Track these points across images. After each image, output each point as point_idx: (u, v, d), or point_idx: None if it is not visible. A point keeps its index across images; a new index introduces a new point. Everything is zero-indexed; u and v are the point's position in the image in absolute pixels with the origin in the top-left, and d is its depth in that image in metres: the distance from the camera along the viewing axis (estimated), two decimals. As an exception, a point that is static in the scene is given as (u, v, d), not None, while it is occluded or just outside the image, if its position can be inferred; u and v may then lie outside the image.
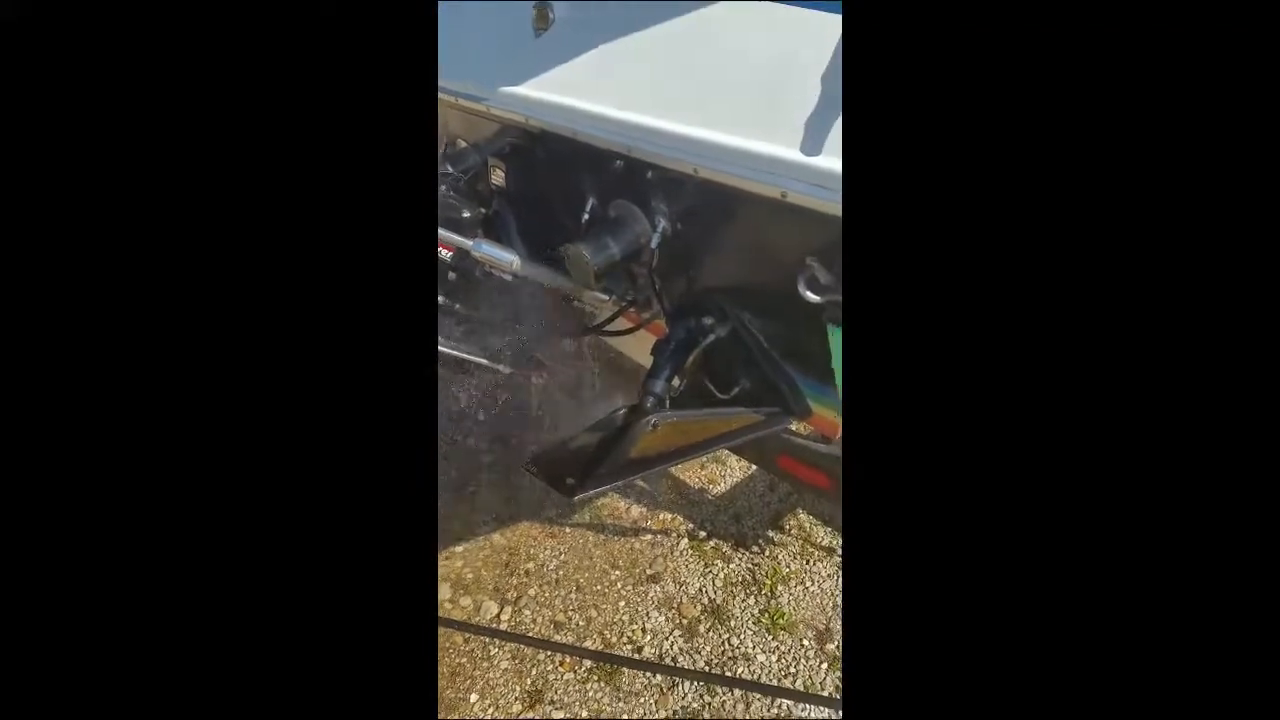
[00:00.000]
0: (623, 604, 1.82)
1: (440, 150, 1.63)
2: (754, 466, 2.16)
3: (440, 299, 1.43)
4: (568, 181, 1.33)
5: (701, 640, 1.72)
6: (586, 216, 1.30)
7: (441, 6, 1.94)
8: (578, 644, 1.71)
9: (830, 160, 0.85)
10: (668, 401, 1.21)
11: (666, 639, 1.73)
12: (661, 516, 2.07)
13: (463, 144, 1.59)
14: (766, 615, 1.76)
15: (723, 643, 1.71)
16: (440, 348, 1.44)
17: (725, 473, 2.22)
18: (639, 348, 1.57)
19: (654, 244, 1.19)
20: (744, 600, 1.81)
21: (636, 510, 2.10)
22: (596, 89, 1.19)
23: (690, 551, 1.96)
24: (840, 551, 1.92)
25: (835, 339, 0.97)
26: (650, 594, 1.84)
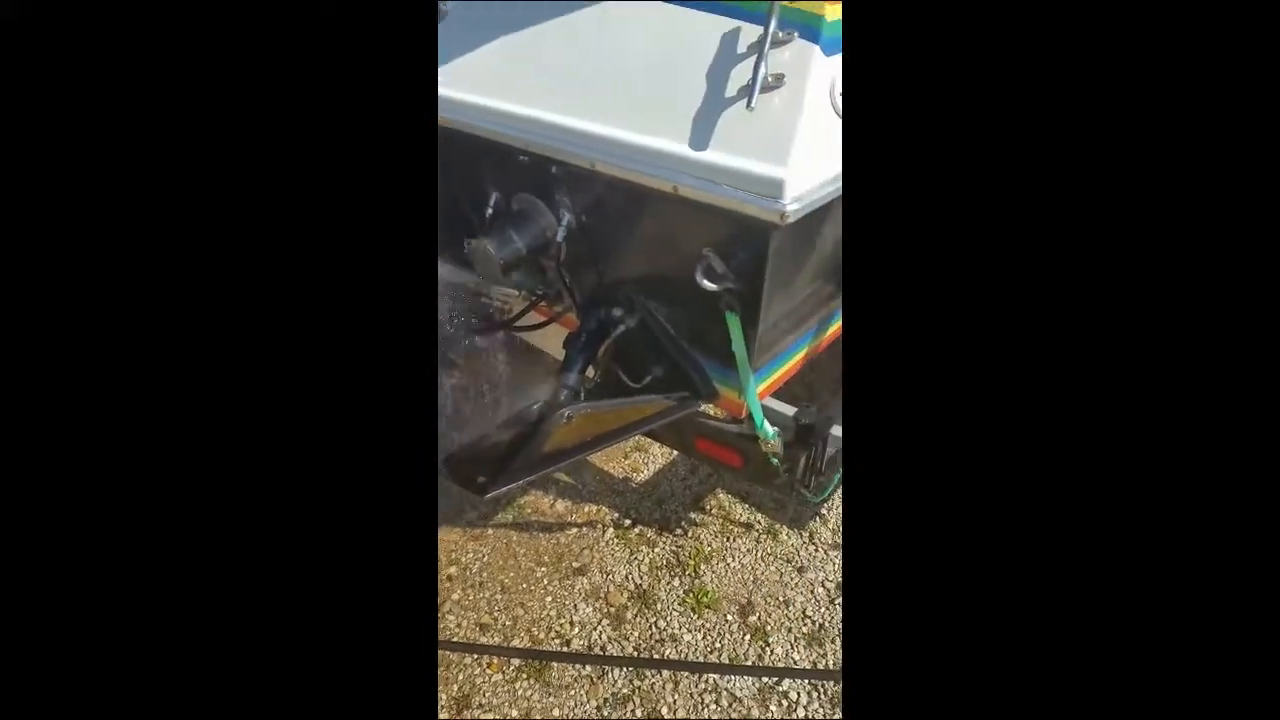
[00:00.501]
0: (549, 599, 1.82)
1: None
2: (675, 452, 2.22)
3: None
4: (469, 177, 1.31)
5: (629, 626, 1.75)
6: (490, 211, 1.29)
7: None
8: (505, 644, 1.69)
9: (718, 155, 0.90)
10: (582, 393, 1.23)
11: (595, 629, 1.75)
12: (587, 509, 2.09)
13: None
14: (691, 595, 1.82)
15: (650, 626, 1.75)
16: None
17: (648, 460, 2.27)
18: (555, 342, 1.58)
19: (560, 237, 1.20)
20: (669, 582, 1.86)
21: (561, 504, 2.10)
22: (493, 84, 1.18)
23: (616, 540, 1.98)
24: (757, 527, 2.01)
25: (734, 324, 1.02)
26: (577, 586, 1.85)
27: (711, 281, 0.97)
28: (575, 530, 2.02)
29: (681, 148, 0.90)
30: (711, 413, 1.38)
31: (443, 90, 1.22)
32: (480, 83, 1.19)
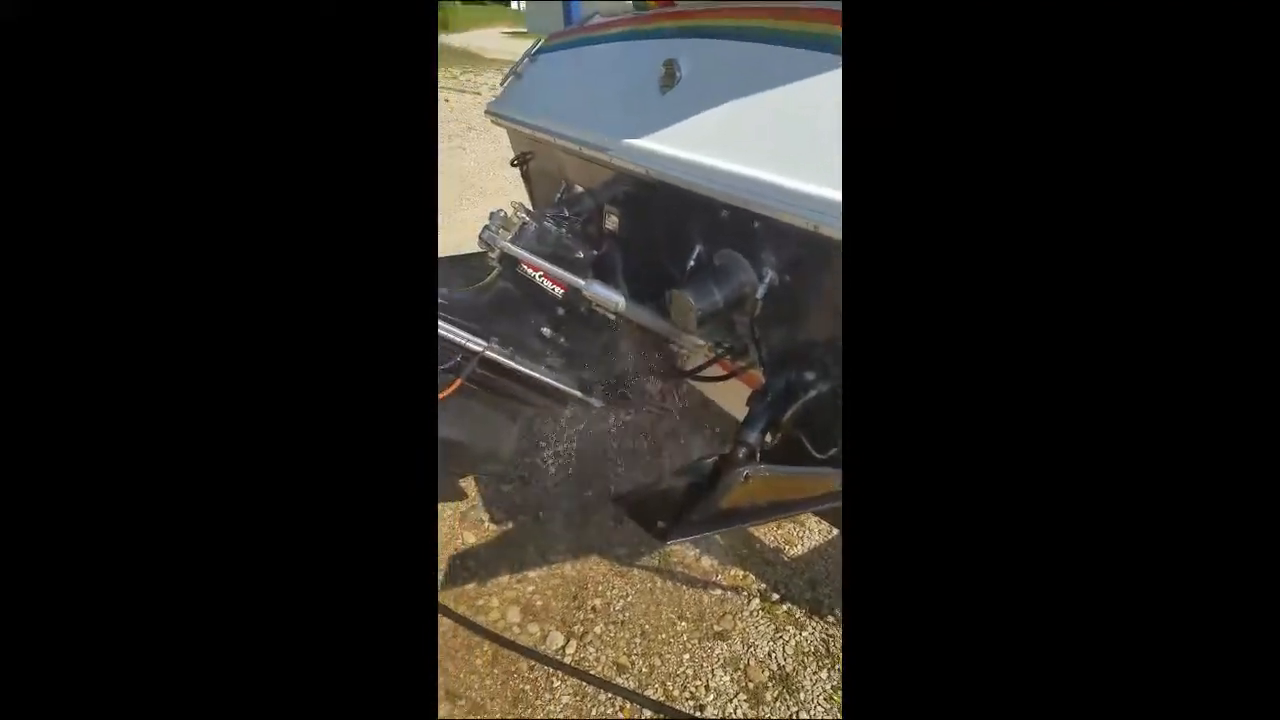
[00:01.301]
0: (687, 657, 1.76)
1: (558, 194, 1.74)
2: (834, 530, 2.06)
3: (547, 331, 1.50)
4: (677, 229, 1.38)
5: (768, 709, 1.63)
6: (692, 263, 1.34)
7: (569, 55, 2.10)
8: (639, 690, 1.67)
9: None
10: (759, 454, 1.20)
11: (730, 701, 1.65)
12: (733, 572, 2.01)
13: (579, 189, 1.69)
14: (839, 693, 1.65)
15: (790, 714, 1.61)
16: (539, 375, 1.51)
17: (803, 534, 2.14)
18: (730, 397, 1.57)
19: (760, 294, 1.20)
20: (815, 672, 1.71)
21: (707, 561, 2.05)
22: (715, 144, 1.23)
23: (761, 613, 1.88)
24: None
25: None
26: (716, 651, 1.77)
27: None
28: (719, 592, 1.95)
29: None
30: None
31: (664, 148, 1.31)
32: (702, 142, 1.25)
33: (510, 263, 1.44)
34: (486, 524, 2.17)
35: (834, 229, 0.98)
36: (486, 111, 2.06)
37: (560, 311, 1.47)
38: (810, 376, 1.19)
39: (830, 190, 1.00)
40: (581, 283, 1.37)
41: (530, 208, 1.67)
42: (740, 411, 1.25)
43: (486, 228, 1.46)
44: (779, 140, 1.14)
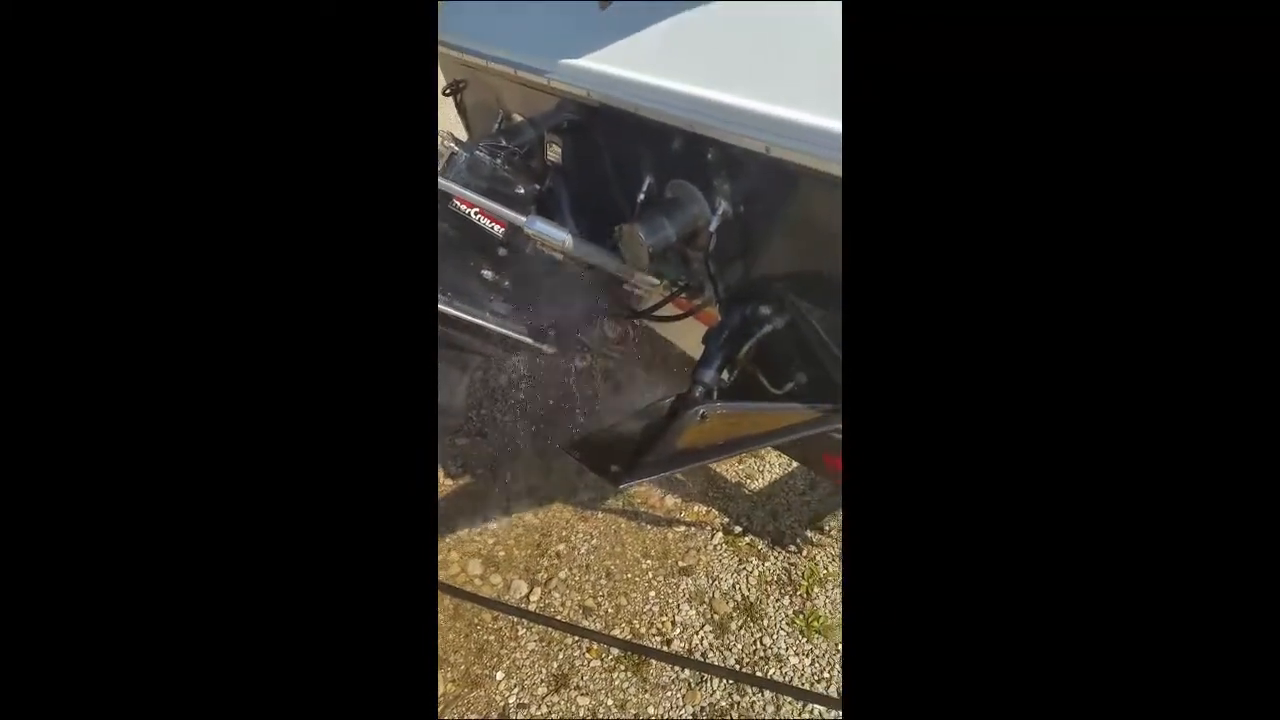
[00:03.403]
0: (653, 594, 1.79)
1: (495, 124, 1.61)
2: (794, 463, 2.10)
3: (489, 274, 1.41)
4: (625, 160, 1.29)
5: (733, 638, 1.68)
6: (642, 196, 1.26)
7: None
8: (606, 631, 1.69)
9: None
10: (716, 392, 1.17)
11: (697, 634, 1.69)
12: (696, 508, 2.04)
13: (518, 119, 1.56)
14: (801, 617, 1.71)
15: (755, 642, 1.67)
16: (485, 323, 1.43)
17: (764, 467, 2.17)
18: (687, 335, 1.53)
19: (712, 227, 1.14)
20: (778, 600, 1.76)
21: (671, 500, 2.06)
22: (662, 63, 1.14)
23: (725, 546, 1.91)
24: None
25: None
26: (682, 586, 1.81)
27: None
28: (683, 529, 1.97)
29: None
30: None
31: (607, 67, 1.20)
32: (648, 61, 1.16)
33: (442, 198, 1.32)
34: (442, 479, 2.12)
35: (787, 150, 0.92)
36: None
37: (501, 252, 1.38)
38: (766, 311, 1.15)
39: (782, 109, 0.93)
40: (523, 219, 1.28)
41: (461, 139, 1.54)
42: (697, 350, 1.21)
43: None
44: (727, 56, 1.05)
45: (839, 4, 0.93)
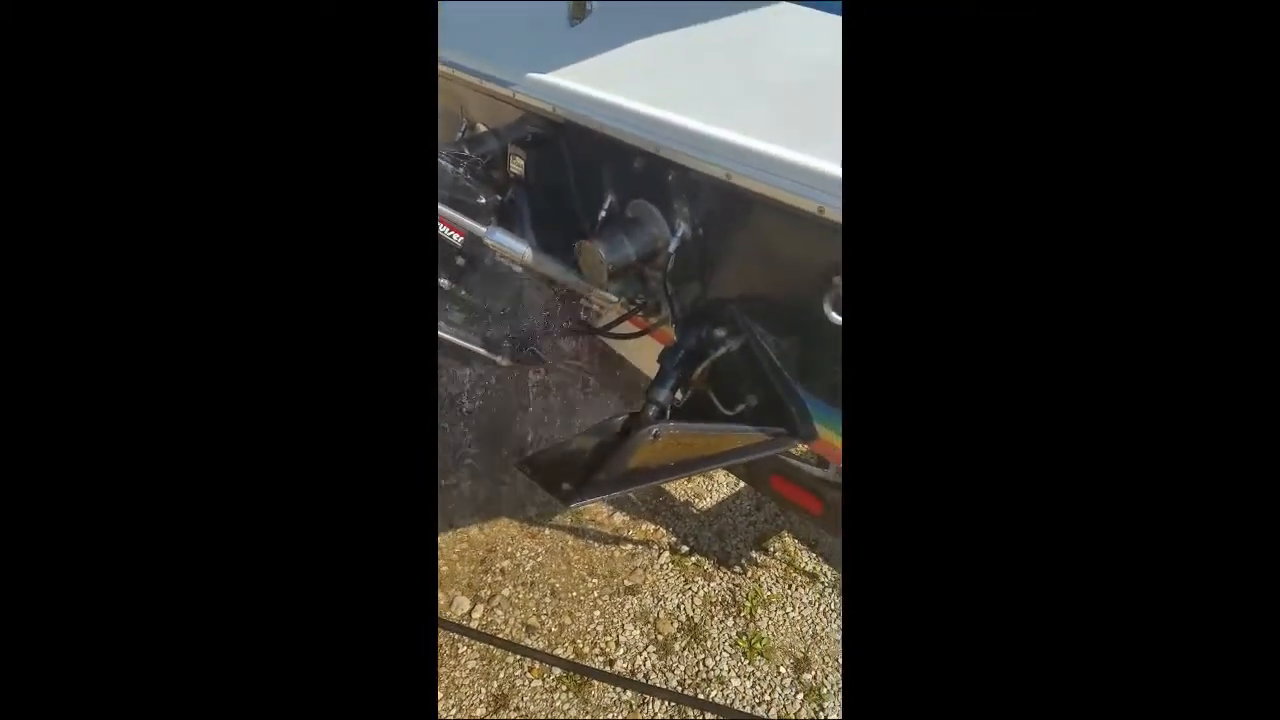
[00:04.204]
0: (597, 613, 1.77)
1: (458, 134, 1.59)
2: (741, 483, 2.13)
3: (444, 283, 1.38)
4: (587, 176, 1.30)
5: (676, 659, 1.67)
6: (603, 214, 1.27)
7: (476, -12, 1.87)
8: (548, 651, 1.66)
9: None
10: (669, 412, 1.18)
11: (640, 654, 1.68)
12: (644, 527, 2.03)
13: (482, 128, 1.55)
14: (744, 638, 1.72)
15: (698, 663, 1.67)
16: (440, 332, 1.40)
17: (712, 487, 2.19)
18: (641, 354, 1.54)
19: (671, 248, 1.16)
20: (722, 621, 1.77)
21: (619, 518, 2.05)
22: (629, 84, 1.16)
23: (671, 566, 1.91)
24: (824, 578, 1.89)
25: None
26: (627, 606, 1.79)
27: (841, 314, 0.90)
28: (630, 547, 1.96)
29: (835, 167, 0.84)
30: (794, 451, 1.29)
31: (573, 84, 1.21)
32: (615, 81, 1.17)
33: None
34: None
35: (747, 178, 0.95)
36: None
37: (460, 261, 1.36)
38: (721, 333, 1.17)
39: (743, 137, 0.95)
40: (483, 230, 1.26)
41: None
42: (651, 369, 1.22)
43: None
44: (692, 81, 1.08)
45: (807, 36, 0.97)
